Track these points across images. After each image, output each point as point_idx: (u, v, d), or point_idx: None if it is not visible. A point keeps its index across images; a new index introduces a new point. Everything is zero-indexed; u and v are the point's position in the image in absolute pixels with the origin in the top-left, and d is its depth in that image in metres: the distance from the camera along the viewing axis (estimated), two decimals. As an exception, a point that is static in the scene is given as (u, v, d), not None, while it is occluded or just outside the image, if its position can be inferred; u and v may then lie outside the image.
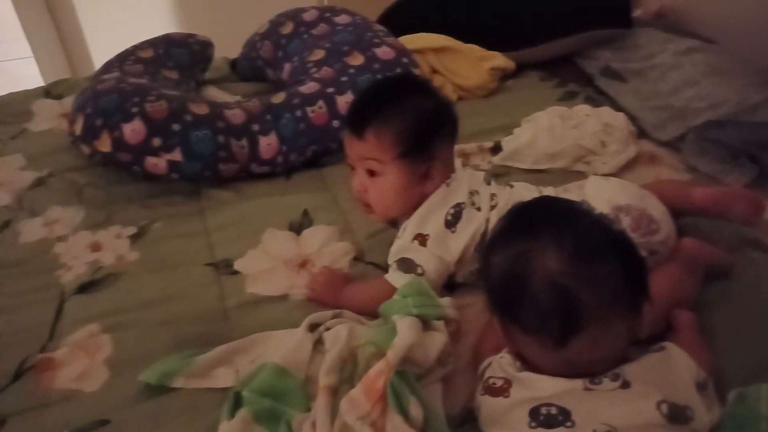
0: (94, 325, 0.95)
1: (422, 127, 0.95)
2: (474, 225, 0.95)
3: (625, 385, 0.65)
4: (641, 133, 1.38)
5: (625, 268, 0.65)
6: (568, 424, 0.64)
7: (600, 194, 0.93)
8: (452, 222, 0.95)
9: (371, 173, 0.97)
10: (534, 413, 0.66)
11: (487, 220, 0.96)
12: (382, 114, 0.95)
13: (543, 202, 0.75)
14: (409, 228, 0.96)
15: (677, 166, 1.30)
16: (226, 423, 0.76)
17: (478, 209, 0.97)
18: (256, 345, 0.89)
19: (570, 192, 0.98)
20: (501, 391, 0.71)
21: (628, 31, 1.61)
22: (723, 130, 1.25)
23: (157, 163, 1.21)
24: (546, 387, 0.67)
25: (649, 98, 1.42)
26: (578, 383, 0.66)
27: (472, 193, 0.98)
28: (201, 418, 0.80)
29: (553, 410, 0.65)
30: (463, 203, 0.96)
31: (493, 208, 0.97)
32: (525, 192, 1.00)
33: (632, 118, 1.39)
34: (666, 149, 1.34)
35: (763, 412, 0.70)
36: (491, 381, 0.73)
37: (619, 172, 1.27)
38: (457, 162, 1.06)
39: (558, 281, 0.63)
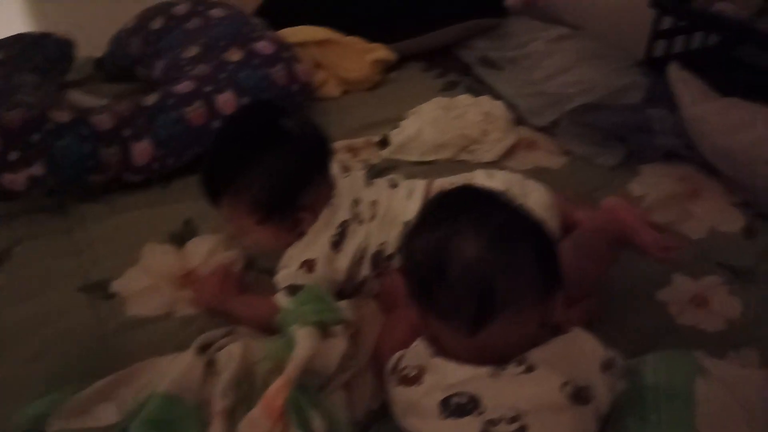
0: (-50, 369, 0.84)
1: (278, 191, 0.90)
2: (357, 239, 0.94)
3: (530, 369, 0.67)
4: (519, 120, 1.43)
5: (541, 257, 0.66)
6: (479, 410, 0.65)
7: None
8: (338, 242, 0.93)
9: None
10: (445, 404, 0.66)
11: (368, 234, 0.95)
12: (232, 186, 0.90)
13: (465, 189, 0.75)
14: (295, 256, 0.93)
15: (554, 150, 1.36)
16: (113, 463, 0.70)
17: (361, 222, 0.95)
18: (141, 374, 0.82)
19: None
20: (414, 379, 0.70)
21: (502, 21, 1.65)
22: (594, 113, 1.32)
23: (15, 179, 1.09)
24: (455, 373, 0.68)
25: (524, 85, 1.47)
26: (485, 369, 0.67)
27: (355, 203, 0.96)
28: (84, 461, 0.74)
29: (464, 399, 0.66)
30: (347, 221, 0.94)
31: (373, 218, 0.96)
32: (404, 196, 0.99)
33: (510, 106, 1.44)
34: (543, 134, 1.40)
35: (649, 382, 0.74)
36: (406, 371, 0.72)
37: (501, 159, 1.31)
38: (336, 167, 1.02)
39: (475, 267, 0.63)
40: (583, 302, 0.86)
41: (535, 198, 0.97)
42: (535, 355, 0.68)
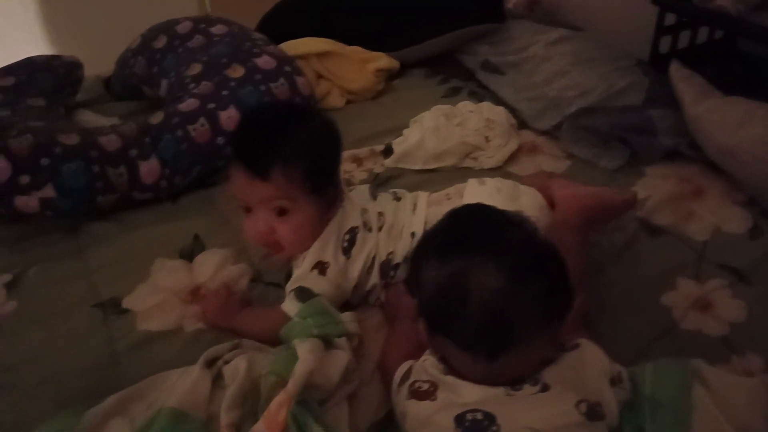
0: (-37, 393, 0.87)
1: (327, 157, 0.94)
2: (367, 248, 0.96)
3: (545, 388, 0.67)
4: (522, 124, 1.43)
5: (555, 283, 0.67)
6: (494, 428, 0.65)
7: None
8: (348, 248, 0.95)
9: (281, 212, 0.93)
10: (459, 419, 0.67)
11: (377, 243, 0.96)
12: (286, 152, 0.89)
13: (477, 213, 0.74)
14: (308, 257, 0.94)
15: (557, 153, 1.36)
16: (125, 479, 0.72)
17: (370, 230, 0.97)
18: (151, 389, 0.84)
19: (452, 200, 1.00)
20: (428, 394, 0.71)
21: (502, 25, 1.66)
22: (593, 116, 1.32)
23: (27, 202, 1.12)
24: (470, 393, 0.69)
25: (525, 90, 1.47)
26: (500, 390, 0.68)
27: (363, 211, 0.98)
28: (97, 477, 0.76)
29: (479, 415, 0.66)
30: (356, 227, 0.96)
31: (380, 228, 0.98)
32: (409, 209, 1.00)
33: (512, 110, 1.45)
34: (545, 138, 1.40)
35: (647, 392, 0.75)
36: (417, 384, 0.73)
37: (504, 165, 1.32)
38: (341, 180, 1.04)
39: (496, 301, 0.64)
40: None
41: (527, 200, 0.98)
42: (549, 374, 0.69)
